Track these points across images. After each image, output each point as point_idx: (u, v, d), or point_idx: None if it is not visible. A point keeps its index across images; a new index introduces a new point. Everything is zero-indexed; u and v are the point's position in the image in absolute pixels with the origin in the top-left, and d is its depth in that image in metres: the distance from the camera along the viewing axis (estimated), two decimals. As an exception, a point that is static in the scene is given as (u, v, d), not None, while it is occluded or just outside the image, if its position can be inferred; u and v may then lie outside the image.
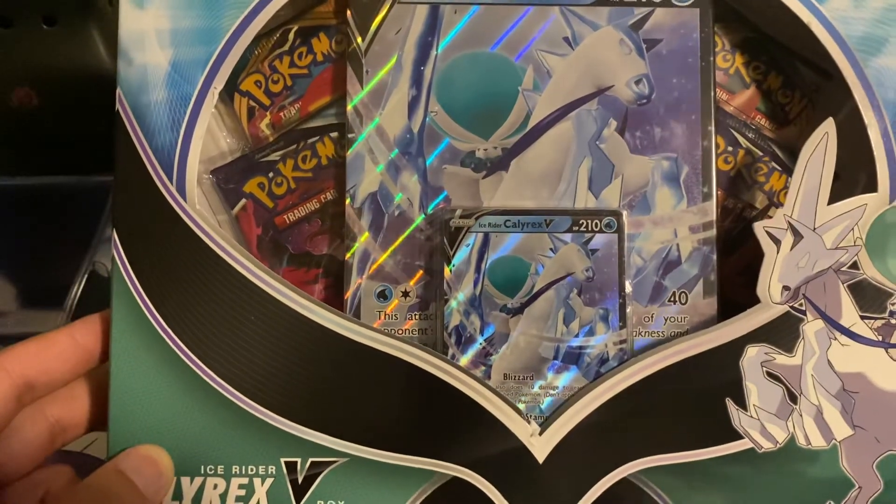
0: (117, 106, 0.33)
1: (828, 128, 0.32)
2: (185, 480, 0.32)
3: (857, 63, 0.33)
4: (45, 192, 0.52)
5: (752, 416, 0.32)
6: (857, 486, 0.32)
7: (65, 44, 0.50)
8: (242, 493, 0.32)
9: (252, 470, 0.32)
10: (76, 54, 0.50)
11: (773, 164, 0.36)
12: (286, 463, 0.32)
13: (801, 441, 0.32)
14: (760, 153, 0.37)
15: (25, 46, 0.50)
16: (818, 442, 0.32)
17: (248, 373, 0.32)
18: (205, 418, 0.32)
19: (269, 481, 0.32)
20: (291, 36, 0.36)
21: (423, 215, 0.35)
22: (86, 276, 0.49)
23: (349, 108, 0.35)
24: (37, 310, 0.49)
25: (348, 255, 0.34)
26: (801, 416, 0.32)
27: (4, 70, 0.50)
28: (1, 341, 0.46)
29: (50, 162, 0.52)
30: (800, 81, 0.37)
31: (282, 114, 0.36)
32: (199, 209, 0.32)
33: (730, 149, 0.36)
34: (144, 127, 0.32)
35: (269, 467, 0.32)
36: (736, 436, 0.32)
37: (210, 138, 0.36)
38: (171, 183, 0.32)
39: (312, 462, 0.32)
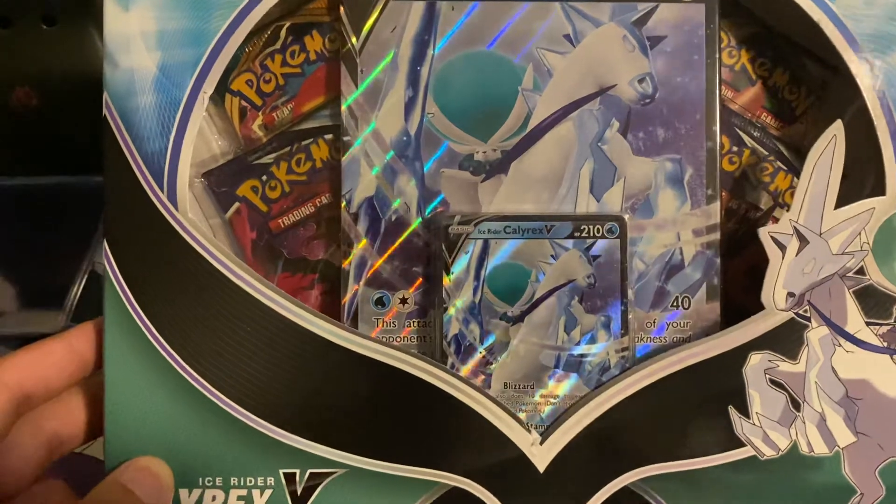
0: (104, 111, 0.32)
1: (835, 130, 0.31)
2: (183, 493, 0.31)
3: (868, 61, 0.32)
4: (45, 192, 0.51)
5: (754, 424, 0.32)
6: (859, 493, 0.32)
7: (65, 44, 0.50)
8: (241, 504, 0.32)
9: (251, 482, 0.32)
10: (76, 54, 0.50)
11: (779, 163, 0.36)
12: (285, 474, 0.31)
13: (804, 448, 0.32)
14: (766, 152, 0.36)
15: (25, 46, 0.50)
16: (821, 449, 0.32)
17: (245, 384, 0.31)
18: (202, 430, 0.31)
19: (267, 493, 0.31)
20: (283, 33, 0.35)
21: (420, 220, 0.34)
22: (86, 276, 0.48)
23: (343, 109, 0.34)
24: (37, 310, 0.48)
25: (345, 263, 0.34)
26: (804, 423, 0.32)
27: (4, 70, 0.50)
28: (1, 341, 0.46)
29: (50, 162, 0.52)
30: (807, 78, 0.36)
31: (274, 114, 0.35)
32: (191, 217, 0.32)
33: (734, 149, 0.36)
34: (133, 133, 0.31)
35: (268, 479, 0.31)
36: (738, 443, 0.32)
37: (201, 140, 0.35)
38: (162, 191, 0.31)
39: (311, 473, 0.31)
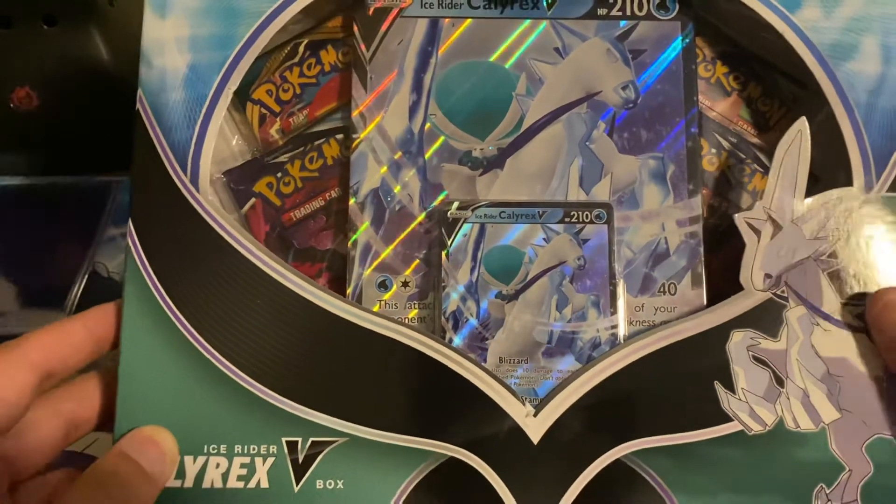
0: (137, 105, 0.35)
1: (801, 125, 0.34)
2: (188, 459, 0.32)
3: (829, 68, 0.35)
4: (45, 192, 0.52)
5: (740, 399, 0.33)
6: (847, 469, 0.33)
7: (65, 44, 0.50)
8: (244, 472, 0.32)
9: (254, 449, 0.33)
10: (76, 54, 0.50)
11: (756, 165, 0.38)
12: (287, 442, 0.33)
13: (790, 424, 0.33)
14: (743, 156, 0.38)
15: (25, 46, 0.50)
16: (807, 425, 0.33)
17: (253, 355, 0.33)
18: (210, 398, 0.33)
19: (270, 461, 0.32)
20: (301, 49, 0.39)
21: (425, 212, 0.37)
22: (86, 276, 0.49)
23: (354, 113, 0.37)
24: (37, 310, 0.49)
25: (350, 243, 0.36)
26: (788, 399, 0.33)
27: (4, 70, 0.51)
28: (1, 341, 0.47)
29: (50, 162, 0.53)
30: (778, 92, 0.39)
31: (291, 119, 0.39)
32: (210, 199, 0.34)
33: (713, 151, 0.38)
34: (162, 124, 0.35)
35: (271, 447, 0.33)
36: (726, 418, 0.33)
37: (223, 142, 0.38)
38: (186, 175, 0.34)
39: (313, 441, 0.33)
